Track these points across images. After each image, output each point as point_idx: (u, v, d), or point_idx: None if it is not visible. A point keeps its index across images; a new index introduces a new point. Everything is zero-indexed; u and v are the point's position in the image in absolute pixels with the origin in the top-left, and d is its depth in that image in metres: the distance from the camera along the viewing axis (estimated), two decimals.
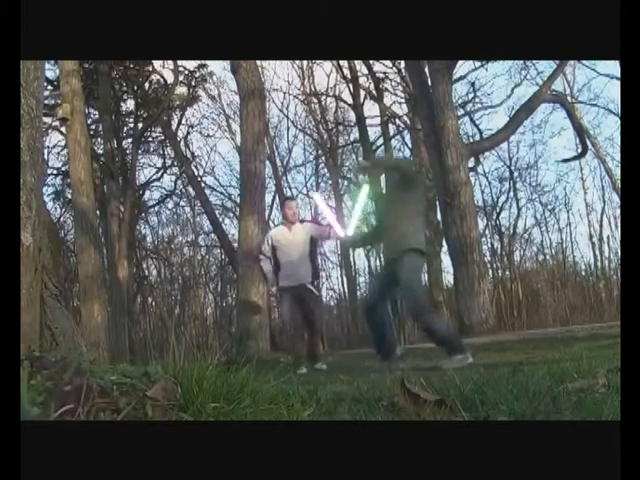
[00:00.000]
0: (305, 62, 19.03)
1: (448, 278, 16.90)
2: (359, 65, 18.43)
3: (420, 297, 4.65)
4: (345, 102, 19.45)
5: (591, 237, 18.26)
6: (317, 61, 18.56)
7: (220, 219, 17.36)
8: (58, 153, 16.23)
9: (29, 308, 2.05)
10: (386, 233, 4.68)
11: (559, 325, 13.91)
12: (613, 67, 15.68)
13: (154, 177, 18.35)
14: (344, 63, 18.47)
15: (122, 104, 17.12)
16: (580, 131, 15.29)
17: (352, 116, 19.32)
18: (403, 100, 18.61)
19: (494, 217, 18.39)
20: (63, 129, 11.82)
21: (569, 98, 16.46)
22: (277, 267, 5.97)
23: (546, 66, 15.56)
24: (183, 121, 18.06)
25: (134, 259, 17.22)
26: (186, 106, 17.53)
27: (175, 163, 18.11)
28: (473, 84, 17.68)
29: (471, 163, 15.03)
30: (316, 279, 6.25)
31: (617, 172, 16.76)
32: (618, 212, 17.10)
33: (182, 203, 19.98)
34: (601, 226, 18.10)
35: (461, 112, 17.13)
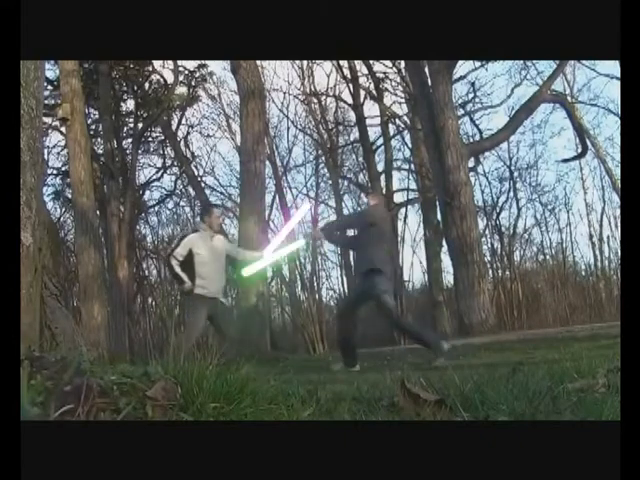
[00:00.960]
0: (305, 62, 19.03)
1: (448, 278, 16.90)
2: (359, 65, 18.45)
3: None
4: (345, 102, 19.45)
5: (591, 237, 18.26)
6: (317, 61, 18.56)
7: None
8: (58, 153, 16.24)
9: (29, 308, 2.05)
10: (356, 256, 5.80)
11: (559, 325, 13.91)
12: (613, 67, 15.69)
13: (154, 177, 18.35)
14: (344, 63, 18.46)
15: (122, 104, 17.12)
16: (580, 131, 15.29)
17: (352, 116, 19.32)
18: (403, 100, 18.63)
19: (494, 217, 18.38)
20: (63, 129, 11.82)
21: (569, 98, 16.46)
22: (192, 275, 5.58)
23: (546, 66, 15.56)
24: (183, 121, 18.07)
25: (134, 259, 17.21)
26: (186, 106, 17.52)
27: (175, 163, 18.11)
28: (473, 84, 17.69)
29: (471, 163, 15.03)
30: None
31: (617, 172, 16.76)
32: (618, 212, 17.09)
33: (182, 203, 19.98)
34: (601, 226, 18.09)
35: (461, 112, 17.13)
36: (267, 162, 14.93)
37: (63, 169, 15.84)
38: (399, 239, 18.38)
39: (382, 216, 5.55)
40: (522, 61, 16.24)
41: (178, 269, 5.59)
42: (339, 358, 5.39)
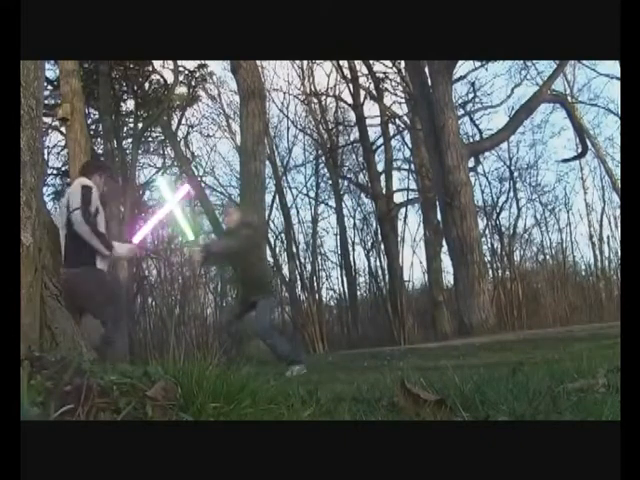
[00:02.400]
0: (305, 62, 19.03)
1: (448, 278, 16.90)
2: (359, 65, 18.45)
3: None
4: (345, 102, 19.45)
5: (591, 237, 18.27)
6: (317, 61, 18.56)
7: (220, 219, 17.32)
8: (58, 153, 16.22)
9: (29, 308, 2.06)
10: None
11: (559, 325, 13.91)
12: (613, 67, 15.69)
13: (154, 177, 18.34)
14: (344, 63, 18.47)
15: (122, 104, 17.11)
16: (580, 131, 15.31)
17: (352, 116, 19.32)
18: (403, 100, 18.63)
19: (494, 217, 18.38)
20: (63, 129, 11.82)
21: (569, 98, 16.47)
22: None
23: (546, 66, 15.56)
24: (183, 121, 18.07)
25: (134, 259, 17.21)
26: (186, 106, 17.52)
27: (175, 163, 18.11)
28: (473, 84, 17.70)
29: (471, 163, 15.04)
30: None
31: (617, 172, 16.76)
32: (618, 212, 17.10)
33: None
34: (601, 226, 18.11)
35: (461, 112, 17.13)
36: (267, 162, 14.94)
37: (63, 169, 15.84)
38: (399, 239, 18.41)
39: (245, 234, 5.47)
40: (522, 61, 16.25)
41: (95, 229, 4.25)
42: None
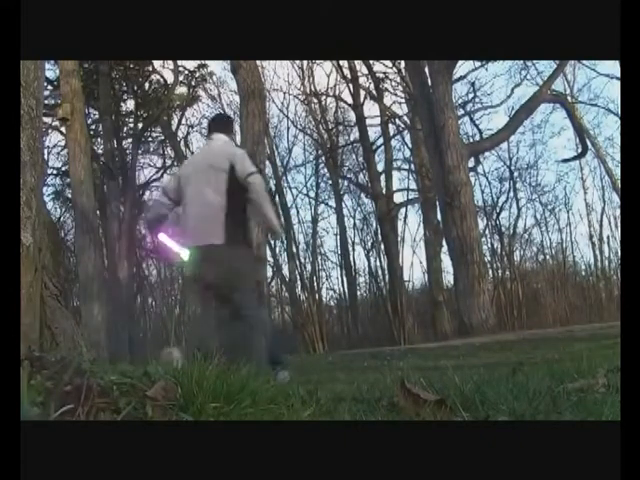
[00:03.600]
0: (305, 62, 19.03)
1: (448, 278, 16.90)
2: (359, 65, 18.46)
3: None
4: (345, 102, 19.47)
5: (591, 237, 18.29)
6: (317, 61, 18.57)
7: None
8: (58, 153, 16.24)
9: (29, 308, 2.06)
10: None
11: (559, 325, 13.92)
12: (613, 67, 15.69)
13: (154, 177, 18.34)
14: (344, 63, 18.48)
15: (122, 104, 17.13)
16: (580, 131, 15.31)
17: (352, 116, 19.34)
18: (403, 100, 18.64)
19: (494, 217, 18.39)
20: (63, 129, 11.83)
21: (569, 98, 16.47)
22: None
23: (546, 66, 15.56)
24: (183, 121, 18.08)
25: (134, 259, 17.20)
26: (186, 106, 17.53)
27: (175, 163, 18.11)
28: (473, 84, 17.71)
29: (471, 163, 15.05)
30: None
31: (617, 172, 16.76)
32: (618, 212, 17.11)
33: None
34: (601, 226, 18.12)
35: (461, 112, 17.14)
36: (267, 162, 14.93)
37: (63, 169, 15.84)
38: (399, 239, 18.41)
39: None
40: (522, 61, 16.24)
41: None
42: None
